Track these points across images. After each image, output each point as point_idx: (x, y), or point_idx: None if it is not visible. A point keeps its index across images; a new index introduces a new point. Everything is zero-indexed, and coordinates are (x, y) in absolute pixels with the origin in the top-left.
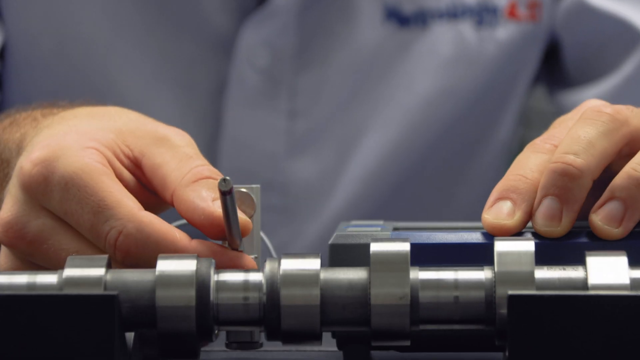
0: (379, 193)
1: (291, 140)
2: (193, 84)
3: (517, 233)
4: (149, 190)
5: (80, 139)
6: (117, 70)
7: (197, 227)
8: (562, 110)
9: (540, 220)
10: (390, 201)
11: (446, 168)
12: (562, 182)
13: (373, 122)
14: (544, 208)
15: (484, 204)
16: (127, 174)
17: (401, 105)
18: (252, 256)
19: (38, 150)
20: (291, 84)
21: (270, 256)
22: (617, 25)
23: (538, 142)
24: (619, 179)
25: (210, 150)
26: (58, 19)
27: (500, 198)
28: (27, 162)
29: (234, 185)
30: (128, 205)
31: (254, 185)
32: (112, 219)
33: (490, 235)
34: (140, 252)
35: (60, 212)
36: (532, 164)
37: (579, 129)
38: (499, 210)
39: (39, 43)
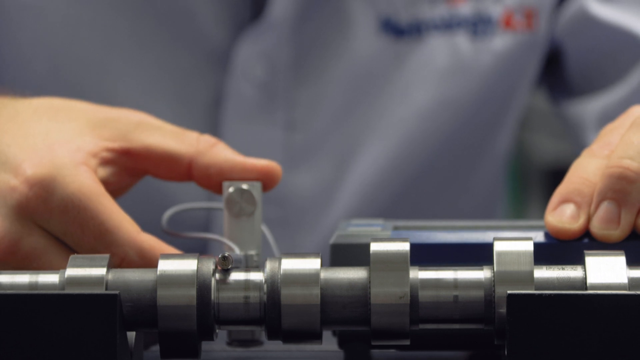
0: (377, 204)
1: (289, 153)
2: (189, 97)
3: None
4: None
5: (68, 153)
6: (112, 87)
7: (245, 178)
8: (566, 120)
9: (598, 224)
10: (389, 212)
11: (445, 179)
12: (619, 185)
13: (370, 133)
14: (602, 212)
15: (484, 214)
16: (114, 174)
17: (398, 117)
18: (253, 252)
19: (30, 168)
20: (288, 97)
21: (272, 250)
22: (622, 36)
23: (595, 148)
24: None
25: None
26: (51, 41)
27: (564, 201)
28: (22, 183)
29: (235, 182)
30: (128, 229)
31: (255, 182)
32: (113, 244)
33: (489, 235)
34: None
35: (59, 232)
36: (593, 167)
37: (632, 135)
38: (563, 213)
39: (32, 66)
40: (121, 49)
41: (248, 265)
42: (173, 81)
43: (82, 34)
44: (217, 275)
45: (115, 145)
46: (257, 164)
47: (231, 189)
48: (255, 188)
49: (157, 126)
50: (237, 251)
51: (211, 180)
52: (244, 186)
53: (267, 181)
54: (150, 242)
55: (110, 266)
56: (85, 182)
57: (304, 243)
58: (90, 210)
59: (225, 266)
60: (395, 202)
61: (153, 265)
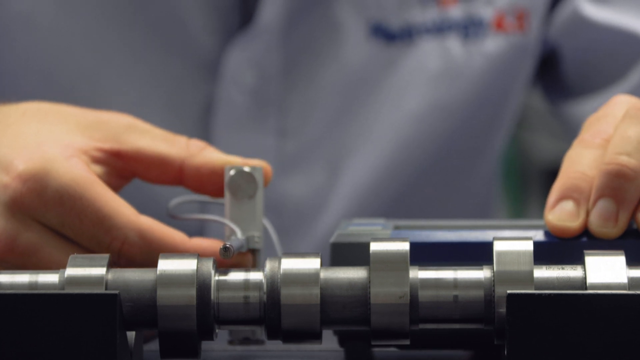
0: (372, 209)
1: (281, 160)
2: (181, 106)
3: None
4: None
5: (58, 149)
6: (105, 97)
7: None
8: (566, 122)
9: (596, 221)
10: (384, 216)
11: (439, 183)
12: (617, 183)
13: (363, 139)
14: (600, 209)
15: (479, 216)
16: (104, 174)
17: (390, 122)
18: (254, 234)
19: (21, 164)
20: (279, 104)
21: (273, 243)
22: (618, 36)
23: (587, 137)
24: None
25: None
26: (43, 53)
27: (562, 198)
28: (14, 179)
29: (237, 166)
30: (126, 213)
31: (256, 166)
32: (113, 229)
33: (489, 235)
34: (143, 257)
35: (57, 225)
36: (587, 159)
37: (628, 129)
38: (562, 211)
39: (25, 77)
40: (113, 59)
41: (250, 246)
42: (165, 90)
43: (73, 45)
44: (217, 275)
45: (106, 146)
46: (249, 163)
47: (232, 172)
48: (257, 171)
49: (147, 129)
50: (239, 233)
51: (203, 181)
52: (246, 169)
53: None
54: (150, 222)
55: (110, 265)
56: (79, 172)
57: (298, 248)
58: (87, 198)
59: (227, 256)
60: (390, 207)
61: (154, 246)
